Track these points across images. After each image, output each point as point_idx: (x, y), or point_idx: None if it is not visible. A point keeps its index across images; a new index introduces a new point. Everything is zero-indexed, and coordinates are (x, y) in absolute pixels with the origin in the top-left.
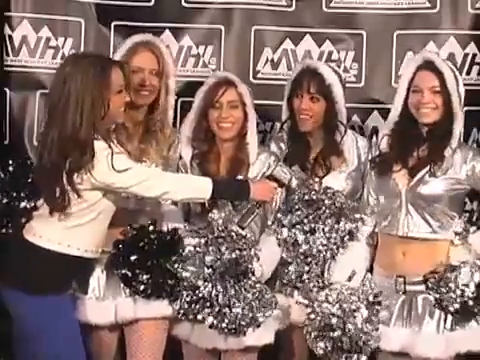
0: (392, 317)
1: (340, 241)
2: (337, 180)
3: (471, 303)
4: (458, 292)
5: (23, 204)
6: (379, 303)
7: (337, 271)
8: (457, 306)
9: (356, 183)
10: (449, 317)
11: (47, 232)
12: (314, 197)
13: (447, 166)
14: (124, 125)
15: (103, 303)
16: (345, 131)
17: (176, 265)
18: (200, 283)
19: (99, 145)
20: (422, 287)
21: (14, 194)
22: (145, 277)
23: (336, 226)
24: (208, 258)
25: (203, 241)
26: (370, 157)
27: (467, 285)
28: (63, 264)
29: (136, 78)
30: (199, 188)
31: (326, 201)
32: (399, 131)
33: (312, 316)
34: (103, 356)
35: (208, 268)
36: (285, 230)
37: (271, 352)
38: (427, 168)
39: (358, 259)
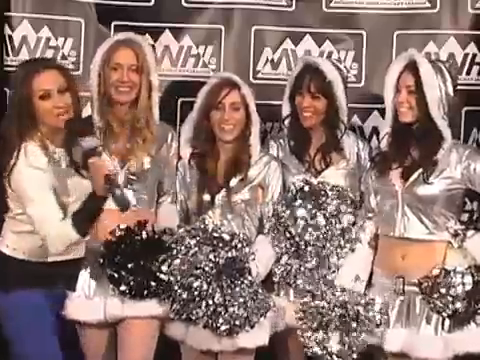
0: (391, 318)
1: (341, 231)
2: (335, 176)
3: (463, 308)
4: (449, 298)
5: None
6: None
7: (341, 274)
8: (449, 311)
9: (353, 182)
10: (447, 319)
11: (4, 233)
12: (316, 188)
13: (442, 167)
14: (109, 124)
15: (92, 301)
16: (345, 128)
17: (164, 267)
18: (195, 283)
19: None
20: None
21: None
22: (129, 278)
23: (338, 214)
24: (203, 257)
25: (198, 240)
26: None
27: (459, 291)
28: (13, 265)
29: (115, 75)
30: (64, 236)
31: (328, 190)
32: (394, 130)
33: (327, 305)
34: (93, 354)
35: (204, 268)
36: (283, 221)
37: (268, 357)
38: (420, 170)
39: (363, 262)
